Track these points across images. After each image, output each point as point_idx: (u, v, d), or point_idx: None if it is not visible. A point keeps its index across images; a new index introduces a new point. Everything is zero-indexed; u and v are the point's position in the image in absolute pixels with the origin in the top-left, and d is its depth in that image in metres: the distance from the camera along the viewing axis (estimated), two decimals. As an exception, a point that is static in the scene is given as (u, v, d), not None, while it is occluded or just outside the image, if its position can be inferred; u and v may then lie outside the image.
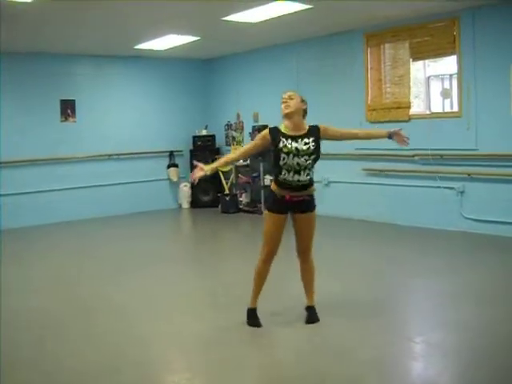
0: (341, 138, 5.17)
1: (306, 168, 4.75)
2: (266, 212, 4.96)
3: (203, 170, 4.85)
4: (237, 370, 4.20)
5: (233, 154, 5.13)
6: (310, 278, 5.11)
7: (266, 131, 4.89)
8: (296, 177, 4.74)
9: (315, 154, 4.80)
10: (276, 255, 4.94)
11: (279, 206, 4.85)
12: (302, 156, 4.72)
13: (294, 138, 4.77)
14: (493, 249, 7.69)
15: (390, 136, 5.18)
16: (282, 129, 4.85)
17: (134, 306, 5.84)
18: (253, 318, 5.02)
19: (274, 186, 4.89)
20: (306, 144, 4.76)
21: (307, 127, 4.88)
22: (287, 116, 4.84)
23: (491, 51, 8.21)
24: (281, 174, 4.76)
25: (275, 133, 4.83)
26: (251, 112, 12.22)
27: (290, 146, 4.73)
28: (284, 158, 4.71)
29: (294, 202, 4.82)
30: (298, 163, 4.72)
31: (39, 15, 7.82)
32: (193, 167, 4.97)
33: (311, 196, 4.91)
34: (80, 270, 7.41)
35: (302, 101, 4.90)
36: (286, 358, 4.43)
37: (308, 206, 4.90)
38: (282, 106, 4.83)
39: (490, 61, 8.24)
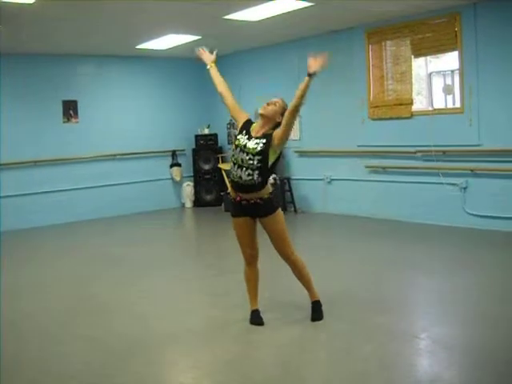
0: (286, 126, 4.75)
1: (248, 167, 4.70)
2: (232, 218, 5.01)
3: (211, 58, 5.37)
4: (242, 368, 4.21)
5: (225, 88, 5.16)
6: (300, 276, 5.08)
7: (247, 116, 5.14)
8: (238, 172, 4.73)
9: (261, 155, 4.70)
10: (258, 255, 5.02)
11: (235, 209, 4.91)
12: (247, 154, 4.72)
13: (250, 137, 4.81)
14: (496, 245, 7.69)
15: (309, 74, 5.13)
16: (252, 126, 4.93)
17: (137, 305, 5.85)
18: (255, 318, 5.04)
19: (230, 189, 4.97)
20: (256, 144, 4.75)
21: (268, 129, 4.87)
22: (260, 116, 4.90)
23: (493, 46, 8.20)
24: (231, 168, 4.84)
25: (245, 124, 4.97)
26: (253, 110, 12.17)
27: (241, 140, 4.80)
28: (233, 150, 4.84)
29: (246, 205, 4.81)
30: (242, 159, 4.73)
31: (41, 16, 7.82)
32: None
33: (264, 200, 4.80)
34: (82, 271, 7.42)
35: (282, 114, 4.80)
36: (292, 355, 4.43)
37: (264, 209, 4.82)
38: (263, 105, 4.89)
39: (491, 56, 8.23)
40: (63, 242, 9.57)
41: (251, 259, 5.00)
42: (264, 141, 4.75)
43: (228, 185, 4.96)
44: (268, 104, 4.91)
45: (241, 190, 4.78)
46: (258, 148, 4.72)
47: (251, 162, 4.70)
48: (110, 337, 4.96)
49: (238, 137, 4.85)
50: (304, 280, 5.10)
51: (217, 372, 4.20)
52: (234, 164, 4.77)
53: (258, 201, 4.78)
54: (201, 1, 7.53)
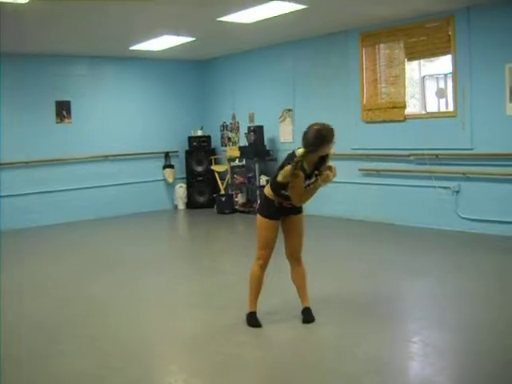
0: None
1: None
2: (260, 218, 4.95)
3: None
4: (234, 370, 4.20)
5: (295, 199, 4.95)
6: (303, 282, 5.12)
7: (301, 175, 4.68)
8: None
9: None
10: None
11: (275, 211, 4.88)
12: (307, 185, 4.76)
13: (309, 176, 4.76)
14: (488, 248, 7.70)
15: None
16: (305, 164, 4.70)
17: (130, 306, 5.84)
18: (253, 320, 5.03)
19: (270, 194, 4.87)
20: (315, 176, 4.79)
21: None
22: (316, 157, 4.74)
23: (486, 50, 8.23)
24: (283, 190, 4.76)
25: (306, 172, 4.73)
26: (247, 112, 12.22)
27: (304, 183, 4.72)
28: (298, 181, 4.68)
29: (290, 207, 4.88)
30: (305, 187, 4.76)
31: (34, 16, 7.80)
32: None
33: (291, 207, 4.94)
34: (75, 272, 7.40)
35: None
36: (283, 357, 4.43)
37: (297, 208, 4.96)
38: (329, 154, 4.82)
39: (485, 60, 8.26)
40: (55, 242, 9.54)
41: (266, 262, 4.97)
42: (317, 172, 4.81)
43: (268, 191, 4.87)
44: (330, 149, 4.76)
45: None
46: (313, 180, 4.80)
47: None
48: (102, 338, 4.94)
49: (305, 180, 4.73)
50: (304, 286, 5.12)
51: (208, 374, 4.19)
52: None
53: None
54: (196, 2, 7.52)
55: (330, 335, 4.83)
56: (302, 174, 4.62)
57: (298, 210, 4.98)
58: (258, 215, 4.97)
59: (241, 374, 4.16)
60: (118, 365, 4.35)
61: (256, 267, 5.00)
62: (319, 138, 4.63)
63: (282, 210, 4.89)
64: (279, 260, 5.20)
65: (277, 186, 4.78)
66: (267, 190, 4.91)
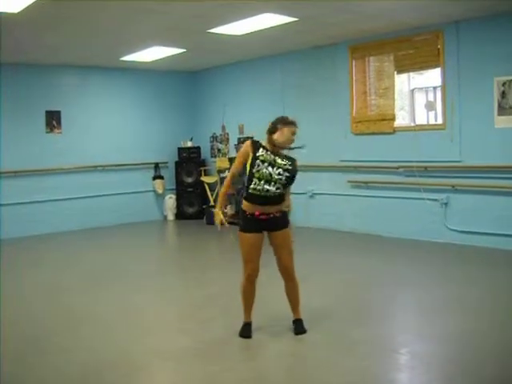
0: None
1: (276, 182, 4.78)
2: (239, 233, 4.96)
3: (218, 214, 4.99)
4: (221, 383, 4.19)
5: (227, 178, 5.03)
6: (296, 296, 5.12)
7: (248, 142, 4.94)
8: (266, 186, 4.77)
9: (290, 173, 4.83)
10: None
11: (251, 224, 4.87)
12: (278, 168, 4.78)
13: (275, 153, 4.85)
14: (477, 260, 7.73)
15: None
16: (264, 143, 4.92)
17: (118, 318, 5.81)
18: (244, 331, 5.03)
19: (244, 204, 4.92)
20: (284, 160, 4.84)
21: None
22: (282, 148, 4.90)
23: (475, 64, 8.29)
24: (251, 183, 4.81)
25: (256, 144, 4.91)
26: (236, 124, 12.25)
27: (267, 156, 4.80)
28: (258, 165, 4.78)
29: (264, 219, 4.83)
30: (270, 173, 4.77)
31: (25, 26, 7.80)
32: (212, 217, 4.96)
33: (282, 212, 4.92)
34: (64, 282, 7.36)
35: None
36: (273, 370, 4.42)
37: (280, 223, 4.91)
38: (292, 138, 4.88)
39: (473, 73, 8.32)
40: (42, 253, 9.49)
41: (254, 276, 4.95)
42: (290, 162, 4.87)
43: (243, 203, 4.89)
44: (293, 135, 4.89)
45: (265, 204, 4.80)
46: (288, 165, 4.82)
47: (280, 176, 4.78)
48: (87, 351, 4.91)
49: (261, 153, 4.81)
50: (297, 300, 5.12)
51: (196, 386, 4.19)
52: (260, 179, 4.77)
53: (278, 214, 4.85)
54: (186, 14, 7.54)
55: (318, 347, 4.83)
56: (249, 142, 4.91)
57: (282, 225, 4.92)
58: (238, 231, 4.98)
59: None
60: (103, 377, 4.33)
61: (244, 281, 4.99)
62: (279, 118, 4.95)
63: (259, 222, 4.83)
64: (270, 271, 5.19)
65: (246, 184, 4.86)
66: (244, 203, 4.94)
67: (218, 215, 4.98)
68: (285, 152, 4.94)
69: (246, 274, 4.95)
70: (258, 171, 4.77)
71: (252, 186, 4.80)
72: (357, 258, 8.22)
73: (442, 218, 8.81)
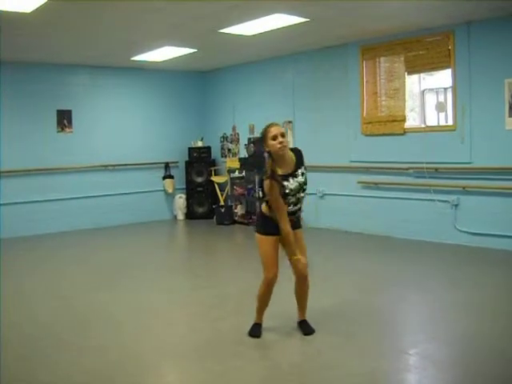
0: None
1: (302, 198, 4.84)
2: (259, 236, 4.89)
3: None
4: (230, 382, 4.20)
5: (280, 214, 4.82)
6: (305, 296, 5.12)
7: (271, 183, 4.62)
8: (294, 208, 4.79)
9: (306, 184, 4.85)
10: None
11: (270, 227, 4.81)
12: (302, 187, 4.78)
13: (293, 175, 4.75)
14: (487, 262, 7.71)
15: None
16: (279, 170, 4.69)
17: (129, 317, 5.84)
18: (254, 331, 5.06)
19: (264, 208, 4.87)
20: (302, 174, 4.80)
21: (291, 154, 4.81)
22: (282, 155, 4.68)
23: (486, 65, 8.27)
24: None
25: (277, 178, 4.65)
26: (247, 124, 12.26)
27: (294, 186, 4.72)
28: (289, 198, 4.71)
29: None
30: (298, 198, 4.78)
31: (37, 26, 7.85)
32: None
33: (298, 218, 4.93)
34: (75, 281, 7.40)
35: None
36: (280, 370, 4.42)
37: (295, 224, 4.90)
38: (278, 145, 4.60)
39: (484, 74, 8.30)
40: (54, 252, 9.53)
41: (275, 280, 4.89)
42: (303, 167, 4.82)
43: (265, 209, 4.85)
44: (281, 142, 4.61)
45: (288, 215, 4.76)
46: (305, 178, 4.81)
47: (304, 193, 4.85)
48: (98, 349, 4.93)
49: (288, 187, 4.68)
50: (306, 300, 5.12)
51: (205, 385, 4.20)
52: (289, 205, 4.72)
53: (294, 218, 4.82)
54: (197, 13, 7.56)
55: (328, 347, 4.82)
56: (275, 183, 4.61)
57: (297, 225, 4.92)
58: (256, 234, 4.94)
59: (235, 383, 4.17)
60: (112, 375, 4.35)
61: (264, 286, 4.94)
62: (263, 132, 4.72)
63: (277, 225, 4.76)
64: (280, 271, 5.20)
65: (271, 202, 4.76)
66: (263, 207, 4.89)
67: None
68: (289, 152, 4.78)
69: (267, 278, 4.87)
70: (288, 200, 4.72)
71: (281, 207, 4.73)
72: (366, 258, 8.21)
73: (452, 219, 8.80)
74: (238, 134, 12.62)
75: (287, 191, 4.67)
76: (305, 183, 4.81)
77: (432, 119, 10.17)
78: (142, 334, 5.30)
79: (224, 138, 13.01)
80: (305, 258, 4.92)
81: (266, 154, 4.74)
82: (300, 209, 4.89)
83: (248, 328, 5.09)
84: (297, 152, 4.86)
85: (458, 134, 8.64)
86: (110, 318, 5.80)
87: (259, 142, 4.81)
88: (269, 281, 4.88)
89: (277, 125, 4.73)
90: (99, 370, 4.46)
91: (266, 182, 4.65)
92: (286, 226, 4.67)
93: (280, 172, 4.68)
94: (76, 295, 6.69)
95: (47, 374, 4.44)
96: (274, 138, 4.62)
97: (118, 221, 11.99)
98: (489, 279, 6.81)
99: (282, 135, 4.63)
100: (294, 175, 4.74)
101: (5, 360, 4.65)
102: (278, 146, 4.61)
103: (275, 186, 4.62)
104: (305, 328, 5.10)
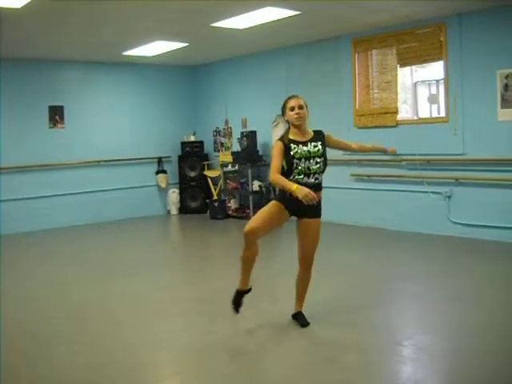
0: (340, 147, 5.29)
1: (315, 172, 4.82)
2: (272, 201, 4.92)
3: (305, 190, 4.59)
4: (225, 376, 4.20)
5: (273, 174, 4.81)
6: (306, 287, 5.13)
7: (279, 143, 4.80)
8: (305, 179, 4.77)
9: (324, 156, 4.87)
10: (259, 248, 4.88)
11: (287, 201, 4.79)
12: (313, 158, 4.80)
13: (304, 143, 4.83)
14: (480, 253, 7.74)
15: (385, 150, 5.66)
16: (291, 135, 4.87)
17: (124, 312, 5.84)
18: (237, 299, 5.03)
19: (274, 181, 4.85)
20: (315, 147, 4.85)
21: (311, 131, 4.96)
22: (298, 126, 4.86)
23: (478, 57, 8.28)
24: (291, 175, 4.77)
25: (283, 140, 4.84)
26: (239, 118, 12.25)
27: (300, 150, 4.78)
28: (297, 164, 4.75)
29: (301, 204, 4.66)
30: (308, 167, 4.78)
31: (28, 22, 7.81)
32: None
33: (319, 201, 4.87)
34: (70, 277, 7.39)
35: (306, 106, 4.94)
36: (275, 364, 4.42)
37: (316, 210, 4.90)
38: (294, 116, 4.81)
39: (476, 66, 8.31)
40: (46, 248, 9.53)
41: (254, 233, 4.76)
42: (320, 143, 4.90)
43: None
44: (298, 113, 4.82)
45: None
46: (320, 149, 4.87)
47: (318, 166, 4.83)
48: (94, 344, 4.94)
49: (294, 150, 4.75)
50: (305, 292, 5.13)
51: (201, 381, 4.20)
52: (299, 174, 4.76)
53: (315, 202, 4.68)
54: (189, 7, 7.55)
55: (321, 340, 4.85)
56: (281, 144, 4.78)
57: (315, 213, 4.88)
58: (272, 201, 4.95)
59: (232, 380, 4.17)
60: (108, 371, 4.35)
61: (244, 249, 4.88)
62: (283, 103, 4.98)
63: (295, 201, 4.67)
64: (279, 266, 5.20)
65: (285, 174, 4.77)
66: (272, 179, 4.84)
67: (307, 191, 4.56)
68: (308, 127, 4.95)
69: (249, 229, 4.77)
70: (297, 168, 4.76)
71: (293, 177, 4.76)
72: (360, 251, 8.23)
73: (445, 210, 8.82)
74: (230, 128, 12.60)
75: (292, 153, 4.75)
76: (318, 155, 4.81)
77: (424, 111, 10.19)
78: (139, 328, 5.31)
79: (217, 132, 12.99)
80: (312, 249, 4.96)
81: (286, 124, 5.00)
82: (314, 186, 4.77)
83: (245, 323, 5.10)
84: (318, 132, 5.00)
85: (450, 125, 8.66)
86: (104, 313, 5.80)
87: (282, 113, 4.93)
88: (249, 234, 4.77)
89: (296, 97, 4.93)
90: (98, 364, 4.46)
91: (276, 143, 4.84)
92: (274, 173, 4.72)
93: (292, 137, 4.84)
94: (72, 290, 6.68)
95: (47, 368, 4.45)
96: (292, 108, 4.84)
97: (112, 216, 11.97)
98: (483, 270, 6.84)
99: (300, 107, 4.84)
100: (304, 143, 4.83)
101: (5, 355, 4.66)
102: (295, 116, 4.82)
103: (281, 148, 4.77)
104: (301, 319, 5.11)
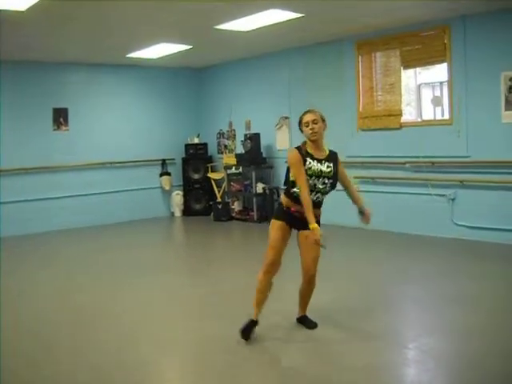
0: (341, 178, 5.05)
1: (319, 191, 4.80)
2: (272, 221, 4.92)
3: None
4: (229, 379, 4.20)
5: (304, 193, 4.82)
6: (309, 297, 5.11)
7: (297, 153, 4.76)
8: (313, 196, 4.76)
9: (333, 179, 4.84)
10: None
11: (284, 215, 4.84)
12: (324, 178, 4.77)
13: (319, 160, 4.80)
14: (484, 255, 7.73)
15: (360, 211, 5.29)
16: (308, 148, 4.83)
17: (128, 314, 5.84)
18: (246, 328, 4.87)
19: (283, 198, 4.91)
20: (328, 167, 4.82)
21: (327, 150, 4.93)
22: (314, 141, 4.81)
23: (482, 59, 8.27)
24: (295, 187, 4.75)
25: (301, 151, 4.79)
26: (243, 120, 12.25)
27: (315, 167, 4.75)
28: (307, 179, 4.72)
29: (298, 217, 4.75)
30: (315, 185, 4.76)
31: (32, 24, 7.82)
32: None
33: (316, 217, 4.81)
34: (74, 279, 7.40)
35: (323, 121, 4.88)
36: (279, 366, 4.43)
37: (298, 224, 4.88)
38: (309, 131, 4.77)
39: (480, 68, 8.30)
40: (49, 250, 9.53)
41: (272, 267, 4.82)
42: (333, 164, 4.87)
43: (282, 198, 4.89)
44: (312, 128, 4.78)
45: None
46: (332, 171, 4.84)
47: (326, 186, 4.81)
48: (97, 346, 4.94)
49: (308, 165, 4.74)
50: (309, 296, 5.11)
51: (203, 381, 4.20)
52: (311, 190, 4.75)
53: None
54: (193, 10, 7.55)
55: (328, 342, 4.84)
56: (299, 156, 4.72)
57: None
58: (271, 220, 4.94)
59: (234, 379, 4.17)
60: (113, 372, 4.35)
61: (260, 275, 4.88)
62: (299, 119, 4.92)
63: (292, 216, 4.79)
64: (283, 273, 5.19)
65: (288, 184, 4.82)
66: (282, 197, 4.95)
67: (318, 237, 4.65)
68: (323, 144, 4.92)
69: (264, 263, 4.84)
70: (308, 180, 4.73)
71: (296, 189, 4.75)
72: (364, 253, 8.23)
73: (450, 213, 8.81)
74: (234, 130, 12.61)
75: (306, 168, 4.71)
76: (328, 176, 4.79)
77: (428, 113, 10.19)
78: (142, 330, 5.31)
79: (220, 134, 13.00)
80: (313, 262, 4.91)
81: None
82: (314, 203, 4.75)
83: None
84: (334, 153, 4.97)
85: (454, 127, 8.65)
86: (108, 316, 5.79)
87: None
88: (265, 266, 4.83)
89: (312, 111, 4.87)
90: (100, 365, 4.47)
91: (292, 153, 4.79)
92: (305, 193, 4.65)
93: (309, 151, 4.81)
94: (76, 294, 6.67)
95: (49, 369, 4.45)
96: (307, 124, 4.80)
97: (116, 218, 11.97)
98: (487, 272, 6.83)
99: (314, 122, 4.78)
100: (319, 161, 4.80)
101: (7, 356, 4.66)
102: (310, 132, 4.78)
103: (300, 160, 4.71)
104: (308, 323, 5.11)
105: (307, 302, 5.15)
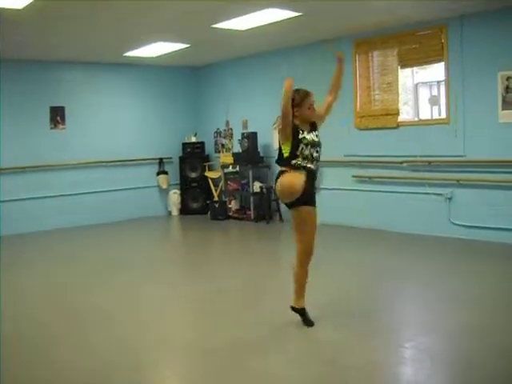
0: (327, 110, 5.52)
1: (316, 159, 4.95)
2: (301, 207, 4.91)
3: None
4: (229, 378, 4.20)
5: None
6: (307, 277, 5.12)
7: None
8: (309, 165, 4.88)
9: (320, 146, 5.03)
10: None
11: (309, 197, 4.91)
12: (315, 146, 4.94)
13: (308, 132, 4.97)
14: (481, 255, 7.74)
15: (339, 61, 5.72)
16: (296, 121, 4.99)
17: (126, 313, 5.83)
18: (305, 319, 5.05)
19: (294, 179, 4.82)
20: (317, 136, 5.04)
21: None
22: (308, 118, 5.05)
23: (479, 58, 8.28)
24: (295, 159, 4.85)
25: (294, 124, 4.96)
26: (240, 119, 12.25)
27: (309, 137, 4.92)
28: (303, 149, 4.86)
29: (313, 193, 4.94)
30: (311, 154, 4.90)
31: (29, 22, 7.81)
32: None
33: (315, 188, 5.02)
34: (70, 278, 7.39)
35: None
36: (276, 365, 4.42)
37: (311, 198, 4.98)
38: (310, 113, 5.06)
39: (477, 68, 8.31)
40: (48, 249, 9.53)
41: (312, 252, 5.00)
42: (317, 133, 5.08)
43: (298, 177, 4.81)
44: (310, 107, 5.11)
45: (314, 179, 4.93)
46: (319, 139, 5.05)
47: (318, 154, 4.99)
48: (99, 345, 4.93)
49: (303, 135, 4.92)
50: (306, 277, 5.11)
51: (202, 380, 4.19)
52: (303, 159, 4.86)
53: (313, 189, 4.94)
54: (190, 9, 7.55)
55: (323, 341, 4.84)
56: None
57: (312, 201, 4.98)
58: (299, 207, 4.92)
59: (233, 381, 4.17)
60: (109, 372, 4.35)
61: (296, 268, 5.04)
62: (302, 96, 5.25)
63: (312, 194, 4.96)
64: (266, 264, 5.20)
65: (288, 160, 4.88)
66: (290, 180, 4.85)
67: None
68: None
69: (307, 251, 4.98)
70: (303, 153, 4.87)
71: (296, 161, 4.85)
72: (361, 252, 8.23)
73: (447, 212, 8.82)
74: (231, 129, 12.61)
75: (300, 137, 4.88)
76: (318, 144, 4.99)
77: (425, 113, 10.19)
78: (139, 330, 5.30)
79: (217, 133, 13.00)
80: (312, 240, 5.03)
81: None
82: (315, 172, 4.95)
83: (248, 322, 5.09)
84: (313, 122, 5.17)
85: (451, 127, 8.66)
86: (107, 315, 5.79)
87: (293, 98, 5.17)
88: (304, 256, 4.98)
89: (312, 95, 5.22)
90: (97, 366, 4.45)
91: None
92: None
93: (297, 123, 4.98)
94: (73, 291, 6.68)
95: (46, 371, 4.44)
96: (309, 106, 5.08)
97: (113, 217, 11.96)
98: (485, 272, 6.84)
99: (313, 104, 5.13)
100: (308, 132, 4.98)
101: (3, 357, 4.64)
102: (311, 114, 5.08)
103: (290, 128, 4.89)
104: (307, 320, 5.10)
105: (304, 288, 5.11)
